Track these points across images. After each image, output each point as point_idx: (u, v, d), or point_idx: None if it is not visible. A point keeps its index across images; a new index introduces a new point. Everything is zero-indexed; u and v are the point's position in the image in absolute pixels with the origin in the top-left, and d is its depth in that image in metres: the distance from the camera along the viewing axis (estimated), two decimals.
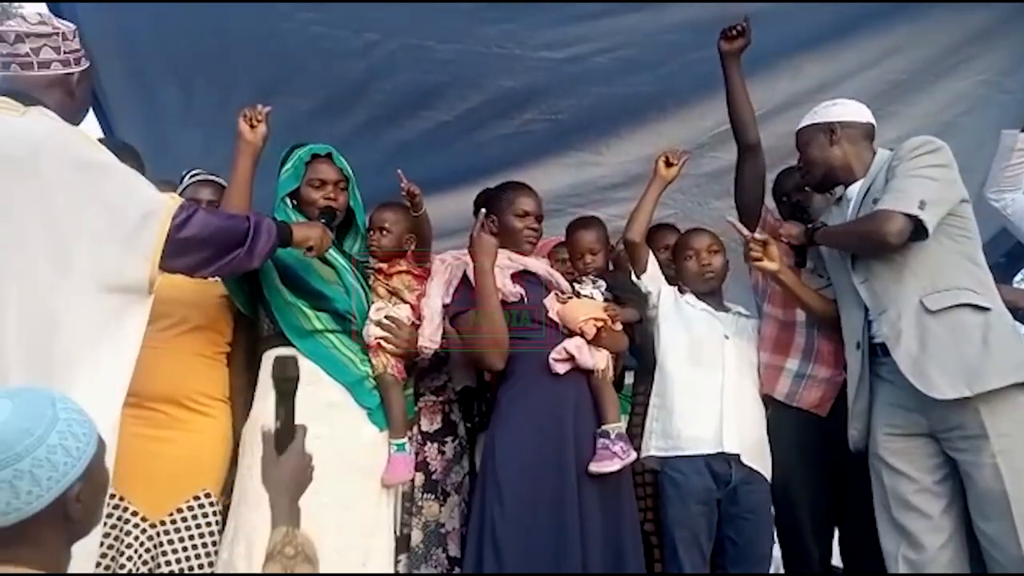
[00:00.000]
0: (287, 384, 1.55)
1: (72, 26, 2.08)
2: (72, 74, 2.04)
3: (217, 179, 2.63)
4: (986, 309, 2.21)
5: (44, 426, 1.22)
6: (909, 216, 2.21)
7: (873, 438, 2.36)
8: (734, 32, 2.65)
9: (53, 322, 1.79)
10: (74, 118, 2.06)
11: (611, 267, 2.92)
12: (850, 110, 2.54)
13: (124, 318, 1.90)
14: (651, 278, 2.74)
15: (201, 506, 2.32)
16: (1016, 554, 2.06)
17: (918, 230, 2.23)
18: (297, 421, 1.57)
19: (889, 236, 2.23)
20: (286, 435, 1.56)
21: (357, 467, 2.36)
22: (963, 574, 2.20)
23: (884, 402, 2.34)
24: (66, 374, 1.76)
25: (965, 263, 2.30)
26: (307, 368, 2.37)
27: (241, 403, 2.47)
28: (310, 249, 2.30)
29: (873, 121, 2.55)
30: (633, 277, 2.76)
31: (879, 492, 2.34)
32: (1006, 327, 2.23)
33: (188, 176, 2.70)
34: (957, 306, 2.21)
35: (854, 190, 2.49)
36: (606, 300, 2.67)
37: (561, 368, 2.44)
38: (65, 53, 2.03)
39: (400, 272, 2.65)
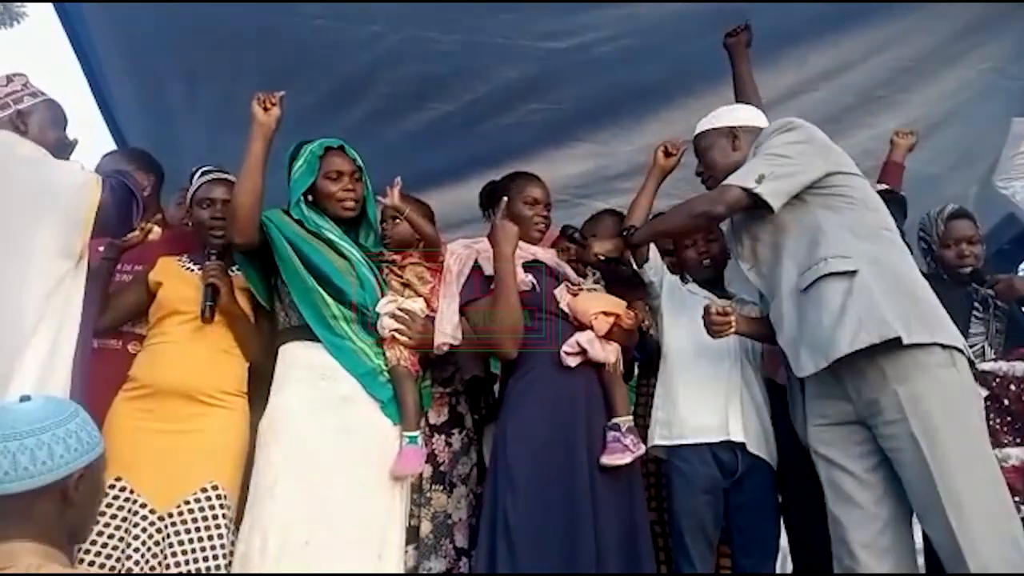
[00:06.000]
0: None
1: (5, 72, 2.30)
2: (12, 114, 2.24)
3: (229, 176, 2.64)
4: (851, 273, 2.12)
5: (54, 422, 1.45)
6: (745, 189, 2.23)
7: (809, 431, 2.29)
8: (738, 29, 2.78)
9: (19, 285, 2.02)
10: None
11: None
12: (749, 115, 2.55)
13: (66, 283, 2.11)
14: (653, 267, 2.75)
15: (208, 498, 2.32)
16: (949, 542, 1.94)
17: (762, 204, 2.23)
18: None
19: (716, 205, 2.31)
20: None
21: (371, 460, 2.36)
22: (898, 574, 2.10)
23: (811, 394, 2.28)
24: (31, 330, 2.01)
25: (842, 230, 2.21)
26: (323, 361, 2.41)
27: (258, 397, 2.48)
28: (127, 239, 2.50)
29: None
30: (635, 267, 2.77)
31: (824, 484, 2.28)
32: (869, 288, 2.10)
33: (199, 173, 2.70)
34: (821, 278, 2.17)
35: None
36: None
37: (573, 361, 2.43)
38: (0, 99, 2.25)
39: (413, 264, 2.65)
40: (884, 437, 2.10)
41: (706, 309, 2.40)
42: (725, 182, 2.31)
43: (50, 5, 3.04)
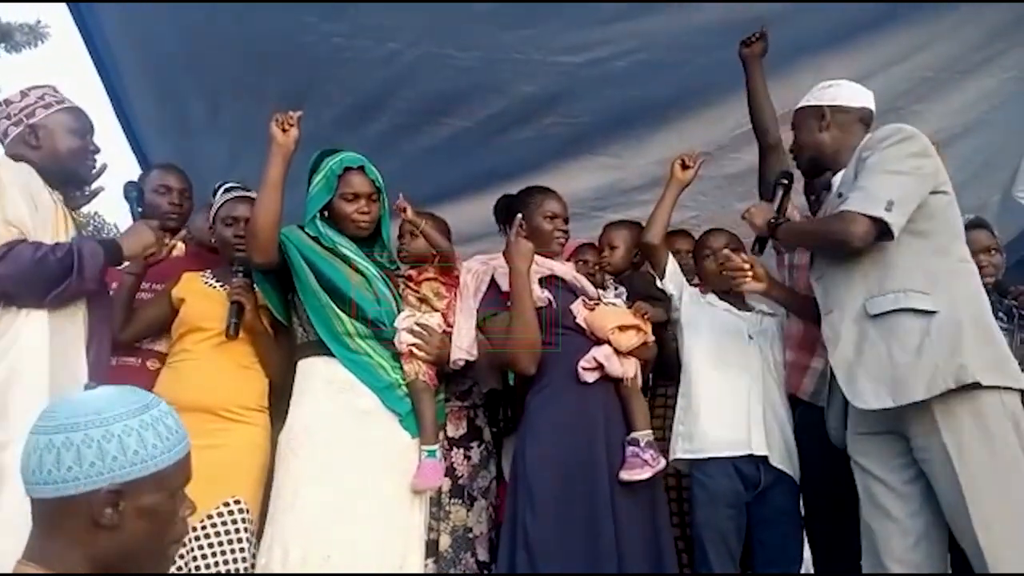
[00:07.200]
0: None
1: (15, 90, 2.29)
2: (23, 130, 2.22)
3: (251, 194, 2.66)
4: (930, 313, 2.07)
5: (115, 415, 1.15)
6: (874, 219, 2.10)
7: (849, 439, 2.27)
8: (753, 38, 2.78)
9: None
10: (57, 162, 2.23)
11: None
12: (845, 93, 2.41)
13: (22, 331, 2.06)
14: (672, 280, 2.75)
15: (231, 512, 2.34)
16: (978, 558, 1.93)
17: (885, 231, 2.12)
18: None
19: (853, 240, 2.12)
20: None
21: (390, 473, 2.38)
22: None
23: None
24: None
25: (923, 260, 2.15)
26: (341, 376, 2.43)
27: (277, 411, 2.51)
28: (152, 255, 2.34)
29: (871, 106, 2.42)
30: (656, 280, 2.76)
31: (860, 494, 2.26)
32: (948, 330, 2.04)
33: (222, 190, 2.73)
34: (897, 311, 2.10)
35: (839, 179, 2.39)
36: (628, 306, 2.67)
37: (590, 377, 2.43)
38: (14, 116, 2.23)
39: (429, 280, 2.67)
40: (918, 449, 2.09)
41: (725, 258, 2.45)
42: (852, 209, 2.14)
43: (74, 26, 3.08)
